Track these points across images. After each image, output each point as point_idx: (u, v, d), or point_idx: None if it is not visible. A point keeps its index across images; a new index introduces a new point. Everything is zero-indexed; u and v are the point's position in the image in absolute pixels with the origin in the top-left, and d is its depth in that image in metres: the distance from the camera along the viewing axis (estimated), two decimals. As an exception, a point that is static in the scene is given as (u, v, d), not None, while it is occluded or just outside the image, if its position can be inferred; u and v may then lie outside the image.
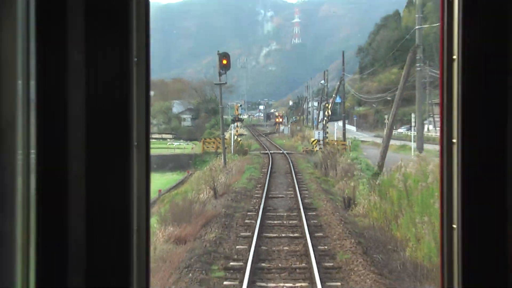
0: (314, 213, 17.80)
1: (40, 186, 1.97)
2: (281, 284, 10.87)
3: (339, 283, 11.12)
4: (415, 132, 37.28)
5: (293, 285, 10.67)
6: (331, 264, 12.06)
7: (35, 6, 1.87)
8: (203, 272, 11.48)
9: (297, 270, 11.76)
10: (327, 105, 56.33)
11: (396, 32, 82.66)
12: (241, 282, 10.87)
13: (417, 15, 30.03)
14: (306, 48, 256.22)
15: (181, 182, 32.37)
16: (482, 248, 2.31)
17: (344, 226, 15.64)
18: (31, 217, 1.96)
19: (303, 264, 12.01)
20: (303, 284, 11.01)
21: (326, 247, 13.44)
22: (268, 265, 12.07)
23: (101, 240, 2.10)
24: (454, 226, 2.36)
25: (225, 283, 11.11)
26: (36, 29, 1.90)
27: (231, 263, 12.43)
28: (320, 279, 10.67)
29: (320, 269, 11.27)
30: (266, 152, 48.33)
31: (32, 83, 1.87)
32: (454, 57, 2.26)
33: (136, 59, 2.10)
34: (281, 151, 50.41)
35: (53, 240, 2.05)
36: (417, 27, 28.17)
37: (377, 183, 20.73)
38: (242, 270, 11.58)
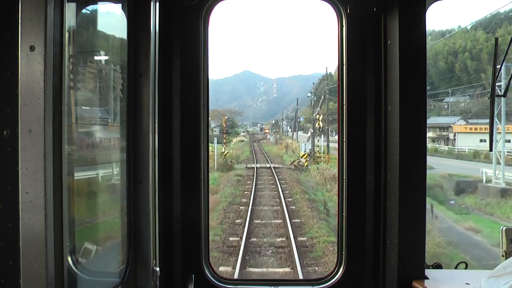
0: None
1: None
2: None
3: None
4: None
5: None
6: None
7: None
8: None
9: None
10: (317, 116, 47.24)
11: (330, 83, 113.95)
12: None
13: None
14: (279, 98, 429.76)
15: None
16: (360, 231, 2.95)
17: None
18: None
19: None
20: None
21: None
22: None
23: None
24: (344, 214, 2.77)
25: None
26: None
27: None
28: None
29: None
30: (253, 166, 40.53)
31: None
32: (344, 102, 3.29)
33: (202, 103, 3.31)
34: (268, 165, 42.18)
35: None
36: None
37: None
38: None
